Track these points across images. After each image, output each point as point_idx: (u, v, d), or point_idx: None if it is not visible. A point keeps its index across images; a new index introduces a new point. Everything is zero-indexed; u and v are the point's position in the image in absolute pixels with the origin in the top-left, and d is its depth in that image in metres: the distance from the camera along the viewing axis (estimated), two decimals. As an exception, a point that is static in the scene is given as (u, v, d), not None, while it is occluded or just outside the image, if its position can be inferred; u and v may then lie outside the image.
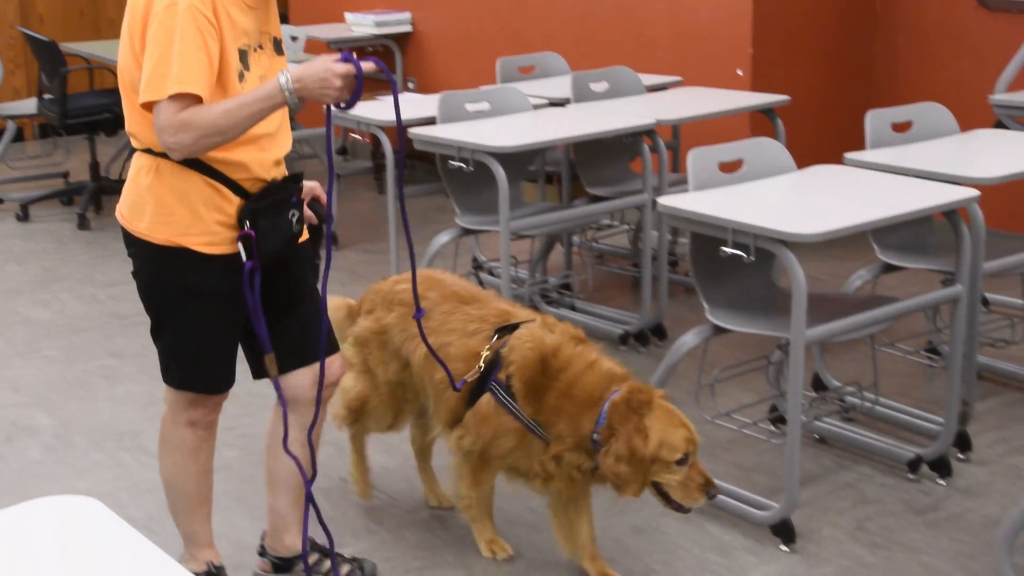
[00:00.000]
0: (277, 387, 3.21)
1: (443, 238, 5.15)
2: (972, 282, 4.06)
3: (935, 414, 4.34)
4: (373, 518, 3.93)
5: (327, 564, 3.50)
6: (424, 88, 8.09)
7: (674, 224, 4.03)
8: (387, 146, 5.47)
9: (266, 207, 3.08)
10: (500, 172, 4.70)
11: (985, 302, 5.42)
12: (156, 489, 3.82)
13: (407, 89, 8.25)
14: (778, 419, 4.37)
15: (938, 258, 4.45)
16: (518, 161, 5.06)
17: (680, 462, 3.23)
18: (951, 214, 3.94)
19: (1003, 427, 4.50)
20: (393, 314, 3.66)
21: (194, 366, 3.22)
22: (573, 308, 5.68)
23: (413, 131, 5.02)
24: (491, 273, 6.01)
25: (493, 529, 3.69)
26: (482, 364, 3.41)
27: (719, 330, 3.92)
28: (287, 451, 3.19)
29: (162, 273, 3.13)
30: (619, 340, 5.28)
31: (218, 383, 3.26)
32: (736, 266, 3.84)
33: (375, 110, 5.49)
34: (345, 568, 3.52)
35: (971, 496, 4.02)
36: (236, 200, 3.07)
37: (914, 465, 4.13)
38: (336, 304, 3.84)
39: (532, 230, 5.12)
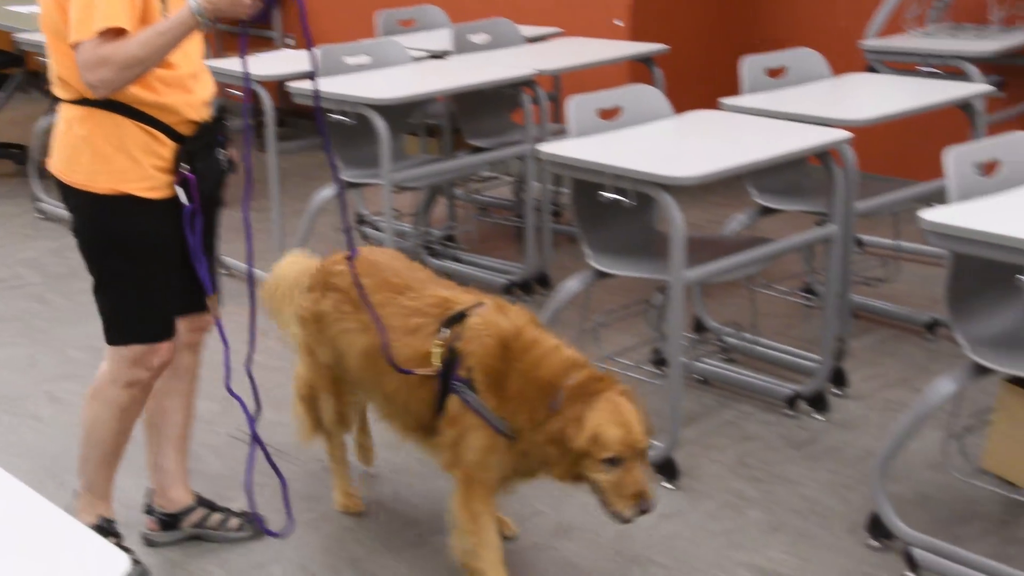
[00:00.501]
0: (220, 328, 3.30)
1: (326, 193, 5.14)
2: (845, 221, 4.16)
3: (812, 352, 4.45)
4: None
5: (214, 517, 3.50)
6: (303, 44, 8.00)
7: (555, 171, 4.07)
8: (267, 102, 5.42)
9: (200, 148, 3.13)
10: (381, 124, 4.70)
11: (859, 243, 5.58)
12: (40, 455, 3.79)
13: (286, 46, 8.17)
14: (660, 361, 4.45)
15: (813, 200, 4.56)
16: (399, 113, 5.05)
17: (611, 462, 2.90)
18: (824, 156, 4.03)
19: (877, 363, 4.64)
20: (327, 300, 3.41)
21: (140, 317, 3.21)
22: (457, 260, 5.71)
23: (292, 85, 4.98)
24: (375, 227, 6.01)
25: None
26: (439, 365, 3.11)
27: (601, 275, 3.98)
28: (228, 389, 3.31)
29: (107, 223, 3.12)
30: (504, 290, 5.33)
31: (165, 330, 3.24)
32: (617, 212, 3.89)
33: (252, 66, 5.43)
34: (235, 522, 3.52)
35: (847, 429, 4.15)
36: (171, 144, 3.09)
37: (792, 401, 4.24)
38: (305, 266, 3.65)
39: (415, 182, 5.13)
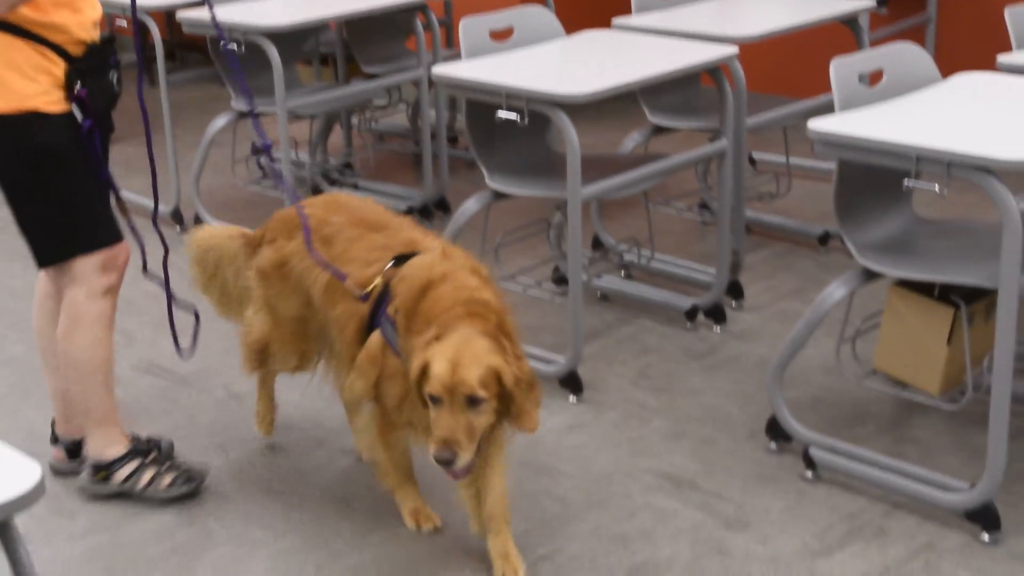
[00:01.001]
0: (132, 227, 3.36)
1: (219, 122, 5.11)
2: (736, 136, 4.24)
3: (708, 267, 4.54)
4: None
5: (146, 476, 3.46)
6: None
7: (450, 93, 4.09)
8: (156, 34, 5.34)
9: (91, 68, 3.16)
10: (274, 52, 4.67)
11: (752, 161, 5.68)
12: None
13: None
14: (561, 279, 4.51)
15: (705, 118, 4.63)
16: (291, 41, 5.02)
17: (432, 399, 2.77)
18: (715, 72, 4.09)
19: (772, 276, 4.75)
20: (294, 241, 3.27)
21: (95, 221, 3.26)
22: (356, 187, 5.71)
23: (182, 15, 4.93)
24: (271, 158, 5.96)
25: (417, 496, 3.26)
26: (366, 291, 3.06)
27: (499, 196, 4.02)
28: (146, 273, 3.50)
29: (19, 142, 3.14)
30: (404, 213, 5.34)
31: (116, 228, 3.31)
32: (513, 132, 3.93)
33: (140, -4, 5.35)
34: (167, 479, 3.47)
35: (744, 340, 4.25)
36: (62, 63, 3.11)
37: (691, 314, 4.33)
38: (230, 233, 3.60)
39: (309, 110, 5.12)
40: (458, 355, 2.74)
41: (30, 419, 3.81)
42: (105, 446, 3.43)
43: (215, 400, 3.96)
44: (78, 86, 3.13)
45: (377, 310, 3.03)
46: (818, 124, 3.17)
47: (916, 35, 6.04)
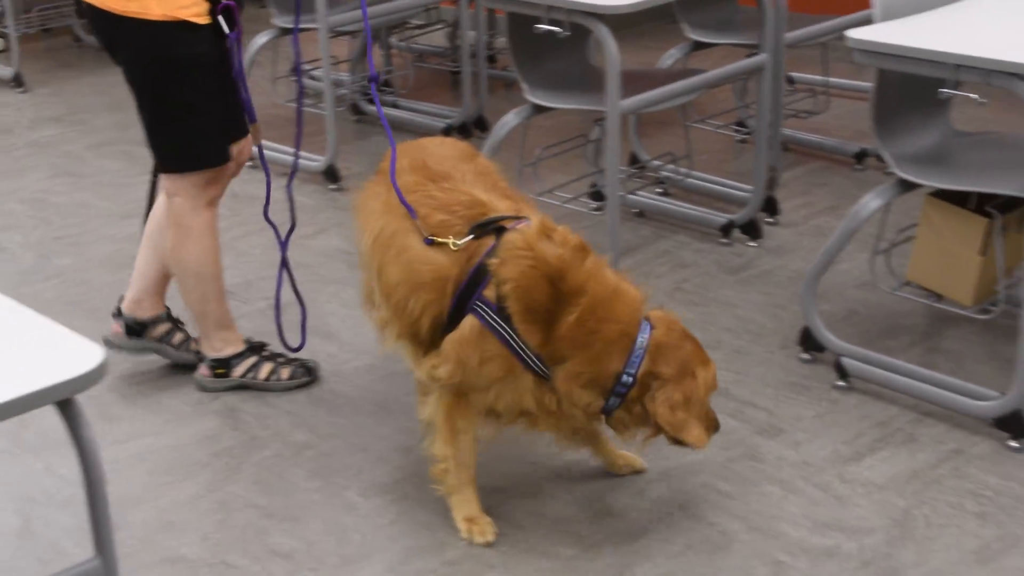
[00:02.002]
0: (261, 155, 3.56)
1: (260, 40, 5.14)
2: (775, 51, 4.25)
3: (745, 184, 4.56)
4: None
5: (265, 368, 3.58)
6: None
7: (492, 5, 4.10)
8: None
9: None
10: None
11: (790, 80, 5.66)
12: None
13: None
14: (597, 195, 4.55)
15: (744, 34, 4.64)
16: (331, -43, 5.04)
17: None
18: (753, -14, 4.10)
19: (807, 193, 4.77)
20: (372, 187, 3.12)
21: (207, 141, 3.38)
22: (396, 106, 5.75)
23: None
24: (312, 77, 6.00)
25: (475, 502, 2.98)
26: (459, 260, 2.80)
27: (539, 110, 4.05)
28: (267, 218, 3.57)
29: (165, 49, 3.24)
30: (443, 132, 5.39)
31: (227, 152, 3.43)
32: (553, 46, 3.95)
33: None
34: (286, 371, 3.61)
35: (779, 255, 4.29)
36: None
37: (726, 229, 4.37)
38: None
39: (350, 25, 5.13)
40: (705, 353, 2.87)
41: (78, 328, 3.88)
42: (223, 345, 3.58)
43: (257, 310, 4.04)
44: None
45: (470, 293, 2.78)
46: (857, 33, 3.19)
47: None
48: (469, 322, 2.77)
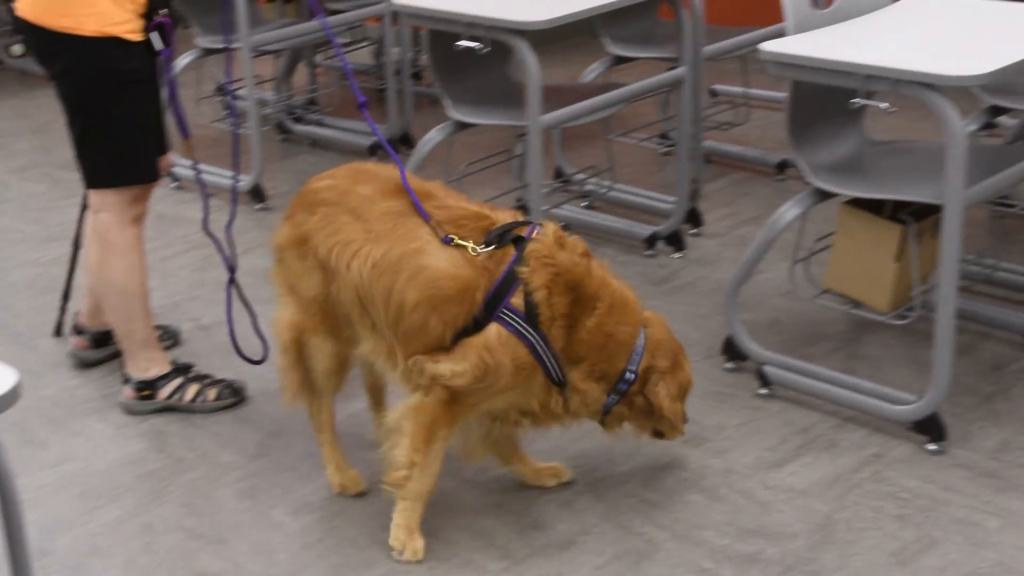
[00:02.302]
0: (198, 171, 3.64)
1: (183, 61, 5.12)
2: (694, 64, 4.30)
3: (669, 195, 4.61)
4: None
5: (191, 390, 3.59)
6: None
7: (411, 23, 4.12)
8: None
9: None
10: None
11: (712, 92, 5.74)
12: None
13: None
14: (522, 210, 4.56)
15: (664, 48, 4.68)
16: (253, -23, 5.05)
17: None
18: (673, 0, 4.15)
19: (731, 203, 4.83)
20: (316, 217, 2.97)
21: (136, 157, 3.42)
22: (321, 124, 5.75)
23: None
24: (235, 96, 5.99)
25: (420, 518, 2.97)
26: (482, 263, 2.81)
27: (462, 126, 4.08)
28: (206, 231, 3.64)
29: (97, 64, 3.28)
30: (368, 151, 5.40)
31: (156, 169, 3.48)
32: (475, 63, 3.97)
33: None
34: (212, 392, 3.61)
35: (703, 265, 4.34)
36: None
37: (651, 241, 4.41)
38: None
39: (274, 44, 5.14)
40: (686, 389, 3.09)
41: (2, 353, 3.86)
42: (148, 365, 3.58)
43: (184, 332, 4.02)
44: (162, 13, 3.29)
45: (497, 301, 2.79)
46: (771, 46, 3.24)
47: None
48: (496, 329, 2.79)
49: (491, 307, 2.80)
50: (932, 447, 3.23)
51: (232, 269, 3.67)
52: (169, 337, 3.89)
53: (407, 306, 2.80)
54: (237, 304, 3.67)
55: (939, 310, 3.14)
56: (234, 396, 3.58)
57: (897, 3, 3.62)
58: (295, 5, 5.80)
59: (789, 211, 3.41)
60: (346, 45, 6.11)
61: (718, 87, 5.76)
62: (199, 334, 4.01)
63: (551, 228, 2.88)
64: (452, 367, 2.79)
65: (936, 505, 3.04)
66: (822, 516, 3.02)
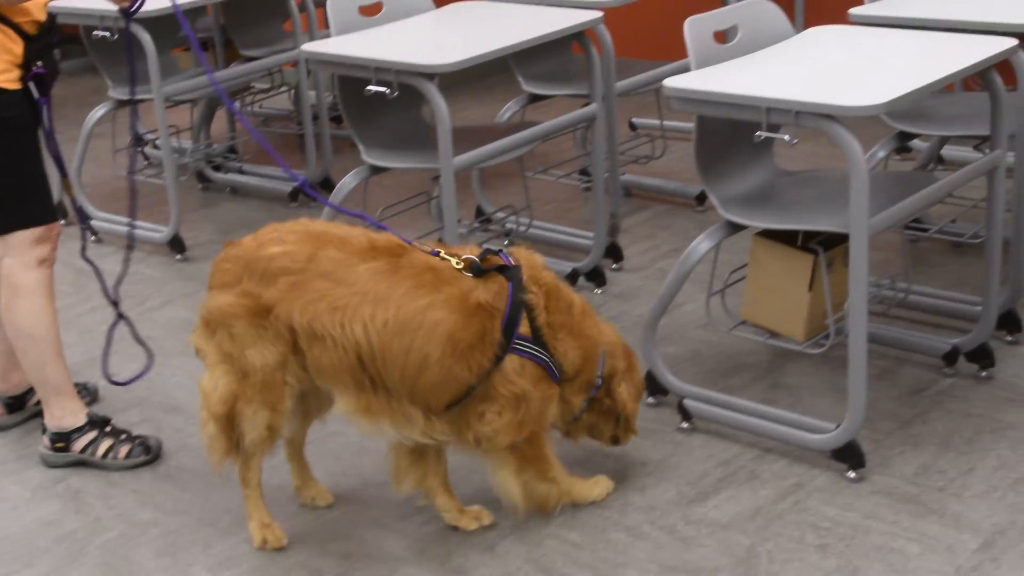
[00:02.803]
0: (79, 210, 3.72)
1: (98, 112, 5.09)
2: (607, 100, 4.32)
3: (590, 231, 4.61)
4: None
5: (104, 445, 3.53)
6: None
7: (318, 70, 4.12)
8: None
9: (44, 47, 3.38)
10: (146, 38, 4.66)
11: (632, 126, 5.78)
12: None
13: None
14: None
15: (579, 85, 4.69)
16: (165, 27, 5.00)
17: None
18: (581, 37, 4.17)
19: (651, 236, 4.84)
20: (277, 286, 2.91)
21: (33, 199, 3.42)
22: (241, 172, 5.72)
23: (53, 4, 4.87)
24: (154, 146, 5.95)
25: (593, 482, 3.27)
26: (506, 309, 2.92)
27: (377, 170, 4.06)
28: (85, 258, 3.65)
29: None
30: (289, 197, 5.38)
31: (54, 210, 3.51)
32: (388, 107, 3.96)
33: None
34: (124, 449, 3.55)
35: (625, 300, 4.34)
36: (20, 41, 3.30)
37: (572, 278, 4.41)
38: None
39: (187, 94, 5.10)
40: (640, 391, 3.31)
41: (-88, 417, 3.79)
42: (63, 415, 3.53)
43: (102, 388, 3.96)
44: (38, 64, 3.32)
45: (510, 334, 2.90)
46: (673, 82, 3.25)
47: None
48: (515, 362, 2.91)
49: (508, 337, 2.91)
50: (852, 475, 3.24)
51: (116, 303, 3.70)
52: (87, 394, 3.84)
53: (431, 361, 2.85)
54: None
55: (851, 338, 3.15)
56: (146, 454, 3.53)
57: (800, 34, 3.65)
58: (210, 54, 5.78)
59: (701, 244, 3.42)
60: (265, 91, 6.09)
61: (637, 120, 5.79)
62: (117, 390, 3.95)
63: (524, 251, 3.05)
64: (507, 414, 2.93)
65: (857, 533, 3.05)
66: (744, 549, 3.02)
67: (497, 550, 3.09)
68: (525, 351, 2.92)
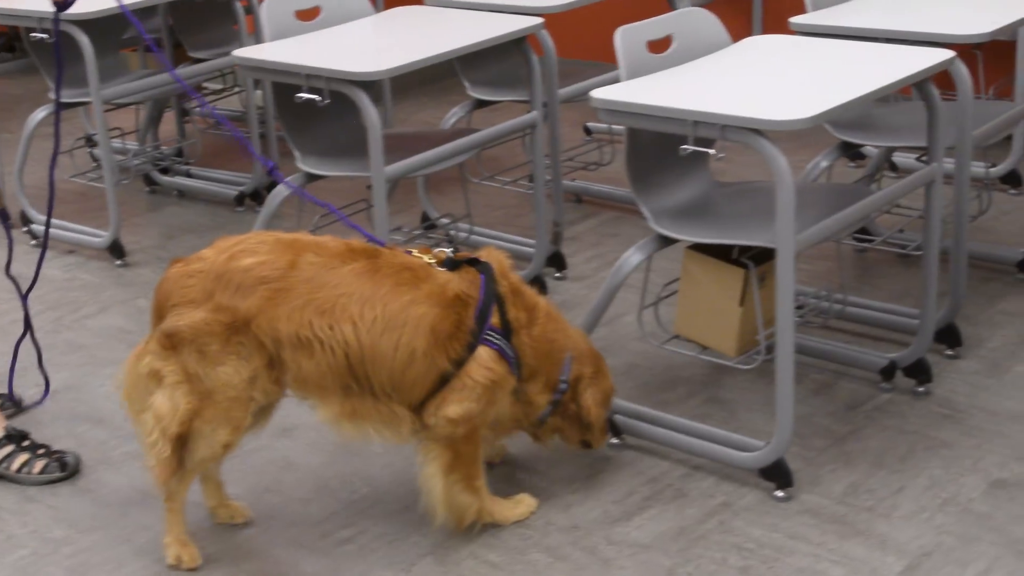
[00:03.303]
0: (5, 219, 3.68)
1: (39, 114, 5.00)
2: (548, 106, 4.26)
3: (534, 239, 4.55)
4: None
5: (19, 460, 3.46)
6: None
7: (251, 76, 4.04)
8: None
9: None
10: (84, 40, 4.59)
11: (587, 131, 5.72)
12: None
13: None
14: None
15: (524, 90, 4.62)
16: (106, 29, 4.92)
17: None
18: (521, 43, 4.10)
19: (598, 244, 4.78)
20: (255, 298, 2.88)
21: None
22: (189, 175, 5.64)
23: (-8, 6, 4.82)
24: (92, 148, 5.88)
25: (500, 503, 3.18)
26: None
27: (312, 177, 4.00)
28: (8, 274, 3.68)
29: None
30: (235, 201, 5.31)
31: None
32: (326, 113, 3.89)
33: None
34: (39, 465, 3.47)
35: (566, 309, 4.25)
36: None
37: (513, 287, 4.34)
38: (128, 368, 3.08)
39: (129, 97, 5.03)
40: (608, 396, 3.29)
41: None
42: None
43: (28, 398, 3.89)
44: None
45: (481, 326, 2.96)
46: (601, 93, 3.19)
47: (744, -2, 6.11)
48: (488, 352, 2.96)
49: (481, 325, 2.97)
50: (780, 494, 3.18)
51: (27, 315, 3.70)
52: (12, 406, 3.76)
53: (418, 355, 2.91)
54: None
55: (778, 356, 3.09)
56: (62, 470, 3.45)
57: (738, 44, 3.59)
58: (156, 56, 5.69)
59: (632, 257, 3.36)
60: (218, 92, 6.02)
61: (593, 125, 5.73)
62: (46, 400, 3.89)
63: (494, 251, 3.09)
64: (469, 404, 2.95)
65: (780, 555, 2.99)
66: (664, 571, 2.96)
67: (414, 571, 3.02)
68: (493, 342, 2.97)
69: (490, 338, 2.97)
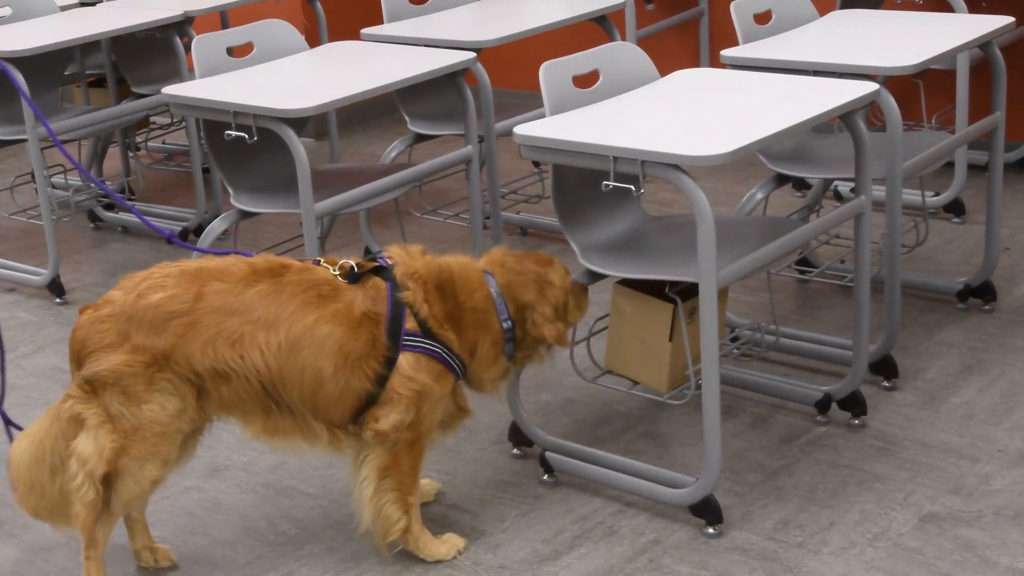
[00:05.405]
0: None
1: (-21, 152, 4.97)
2: (485, 139, 4.24)
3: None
4: None
5: None
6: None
7: (180, 113, 4.01)
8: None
9: None
10: (19, 77, 4.54)
11: (536, 163, 5.69)
12: None
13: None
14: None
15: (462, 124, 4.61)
16: (46, 65, 4.90)
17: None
18: (455, 77, 4.08)
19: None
20: (169, 333, 2.86)
21: None
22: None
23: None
24: (53, 186, 5.83)
25: (429, 537, 3.15)
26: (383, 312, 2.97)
27: (246, 214, 3.97)
28: None
29: None
30: (181, 235, 5.27)
31: None
32: (258, 149, 3.87)
33: None
34: None
35: (505, 345, 4.24)
36: None
37: (451, 322, 4.31)
38: (51, 415, 3.04)
39: (69, 134, 4.99)
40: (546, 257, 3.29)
41: None
42: None
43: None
44: None
45: (396, 335, 2.96)
46: (523, 129, 3.17)
47: (690, 29, 6.11)
48: (405, 357, 2.95)
49: (394, 339, 2.95)
50: (710, 530, 3.15)
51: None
52: None
53: (326, 376, 2.91)
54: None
55: (704, 392, 3.07)
56: None
57: (664, 78, 3.57)
58: (101, 92, 5.67)
59: (562, 293, 3.33)
60: (165, 127, 5.99)
61: (540, 156, 5.71)
62: (-26, 443, 3.83)
63: (396, 247, 3.08)
64: (396, 416, 2.95)
65: (707, 593, 2.96)
66: (590, 612, 2.93)
67: (338, 614, 2.98)
68: (416, 346, 2.96)
69: (411, 343, 2.96)
